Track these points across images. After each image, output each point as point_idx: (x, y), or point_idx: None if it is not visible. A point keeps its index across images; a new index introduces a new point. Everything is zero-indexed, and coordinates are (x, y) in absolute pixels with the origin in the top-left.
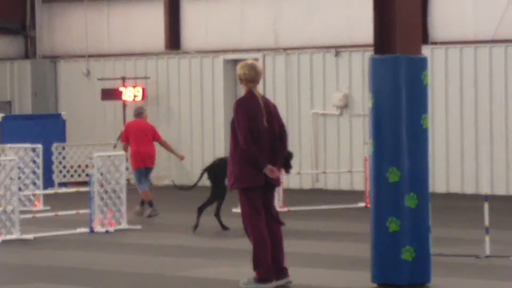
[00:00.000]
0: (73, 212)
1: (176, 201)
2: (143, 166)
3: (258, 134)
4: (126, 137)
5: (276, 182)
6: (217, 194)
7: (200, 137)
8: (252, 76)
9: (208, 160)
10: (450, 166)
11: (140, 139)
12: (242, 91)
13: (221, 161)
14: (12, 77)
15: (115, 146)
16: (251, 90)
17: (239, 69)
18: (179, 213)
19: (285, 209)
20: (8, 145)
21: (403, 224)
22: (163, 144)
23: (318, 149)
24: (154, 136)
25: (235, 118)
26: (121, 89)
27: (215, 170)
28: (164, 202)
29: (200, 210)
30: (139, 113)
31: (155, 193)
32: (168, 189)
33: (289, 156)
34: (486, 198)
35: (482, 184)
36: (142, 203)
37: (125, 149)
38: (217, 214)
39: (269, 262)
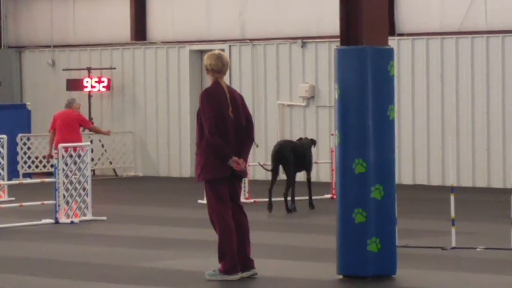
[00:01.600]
0: (38, 203)
1: (141, 193)
2: None
3: (224, 125)
4: (52, 127)
5: (243, 174)
6: (293, 175)
7: (166, 127)
8: (219, 67)
9: (174, 150)
10: (416, 158)
11: (64, 129)
12: (208, 81)
13: (286, 142)
14: None
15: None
16: (217, 81)
17: (206, 60)
18: (145, 205)
19: (251, 200)
20: None
21: (369, 215)
22: (93, 129)
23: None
24: (81, 124)
25: (201, 108)
26: (86, 79)
27: (284, 153)
28: (130, 193)
29: (285, 196)
30: (69, 103)
31: (122, 184)
32: (134, 181)
33: (312, 143)
34: (452, 189)
35: (448, 175)
36: None
37: (52, 139)
38: (286, 195)
39: (235, 253)
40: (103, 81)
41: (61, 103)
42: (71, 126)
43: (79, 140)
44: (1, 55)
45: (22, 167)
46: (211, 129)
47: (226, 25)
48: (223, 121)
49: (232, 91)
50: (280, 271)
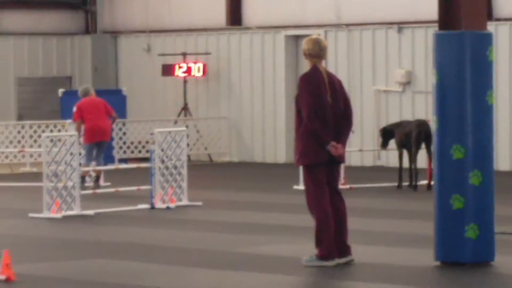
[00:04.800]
0: (134, 188)
1: (236, 178)
2: (96, 140)
3: (322, 110)
4: (79, 116)
5: (341, 159)
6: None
7: (261, 113)
8: (316, 52)
9: (269, 136)
10: None
11: (94, 115)
12: (304, 66)
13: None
14: (72, 52)
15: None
16: (316, 66)
17: (304, 45)
18: (240, 191)
19: (347, 186)
20: (69, 121)
21: (467, 201)
22: (115, 117)
23: (380, 126)
24: (107, 110)
25: (300, 93)
26: (182, 65)
27: (426, 127)
28: (225, 179)
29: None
30: (87, 91)
31: (217, 169)
32: (229, 166)
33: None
34: None
35: None
36: (97, 178)
37: (79, 128)
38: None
39: (332, 239)
40: (198, 67)
41: (156, 88)
42: (101, 112)
43: (110, 126)
44: (97, 40)
45: (118, 152)
46: (309, 114)
47: (322, 10)
48: (321, 106)
49: (330, 76)
50: (377, 257)
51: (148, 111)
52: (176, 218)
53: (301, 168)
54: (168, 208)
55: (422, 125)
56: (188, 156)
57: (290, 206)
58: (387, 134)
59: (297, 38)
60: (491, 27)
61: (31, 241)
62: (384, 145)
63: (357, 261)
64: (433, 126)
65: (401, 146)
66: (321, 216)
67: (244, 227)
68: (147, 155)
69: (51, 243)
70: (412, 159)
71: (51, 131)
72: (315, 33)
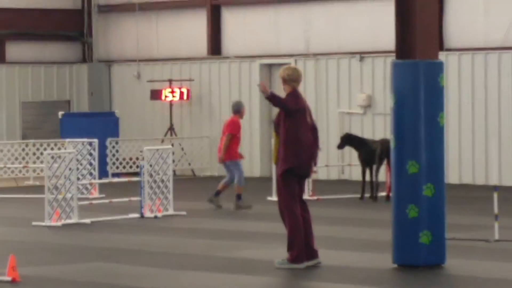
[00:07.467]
0: (125, 199)
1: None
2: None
3: (303, 128)
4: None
5: (308, 174)
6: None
7: None
8: (296, 76)
9: (245, 153)
10: (463, 160)
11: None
12: (277, 91)
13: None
14: (71, 79)
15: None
16: (296, 89)
17: (283, 72)
18: (221, 201)
19: (315, 197)
20: (68, 140)
21: (421, 211)
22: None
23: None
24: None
25: (285, 101)
26: (168, 90)
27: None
28: (206, 191)
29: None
30: (235, 108)
31: (199, 183)
32: (210, 180)
33: None
34: (495, 188)
35: (492, 175)
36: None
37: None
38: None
39: (302, 244)
40: (183, 92)
41: (145, 111)
42: (223, 133)
43: (220, 150)
44: (93, 68)
45: (111, 167)
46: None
47: (293, 42)
48: (302, 123)
49: (305, 100)
50: (342, 260)
51: (138, 131)
52: (163, 226)
53: (274, 182)
54: (156, 217)
55: (384, 143)
56: (174, 171)
57: (264, 215)
58: (347, 140)
59: (271, 66)
60: (442, 56)
61: (34, 246)
62: (341, 147)
63: (324, 264)
64: (391, 144)
65: (366, 163)
66: (293, 223)
67: (223, 233)
68: (137, 170)
69: (52, 248)
70: (375, 173)
71: (52, 149)
72: (286, 62)
